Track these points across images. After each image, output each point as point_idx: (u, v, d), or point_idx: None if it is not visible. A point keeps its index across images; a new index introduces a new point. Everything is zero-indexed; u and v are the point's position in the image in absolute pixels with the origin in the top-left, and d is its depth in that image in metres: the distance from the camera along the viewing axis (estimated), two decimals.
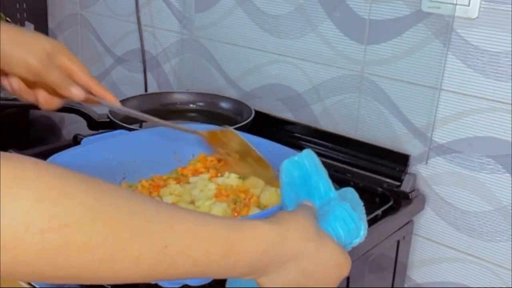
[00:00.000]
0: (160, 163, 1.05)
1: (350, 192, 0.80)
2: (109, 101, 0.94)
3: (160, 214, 0.53)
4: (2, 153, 0.45)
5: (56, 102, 0.91)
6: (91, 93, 0.92)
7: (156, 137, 1.06)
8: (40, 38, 0.88)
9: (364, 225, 0.73)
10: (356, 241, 0.73)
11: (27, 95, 0.90)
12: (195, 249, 0.54)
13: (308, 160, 0.75)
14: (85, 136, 1.06)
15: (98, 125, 1.33)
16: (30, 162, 0.46)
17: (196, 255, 0.54)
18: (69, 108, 1.38)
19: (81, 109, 1.35)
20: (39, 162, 0.47)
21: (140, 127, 1.32)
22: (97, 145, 0.99)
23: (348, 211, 0.71)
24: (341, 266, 0.67)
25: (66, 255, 0.46)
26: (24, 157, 0.47)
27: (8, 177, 0.44)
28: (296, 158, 0.75)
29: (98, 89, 0.93)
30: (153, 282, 0.55)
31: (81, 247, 0.46)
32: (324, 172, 0.75)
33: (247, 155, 1.01)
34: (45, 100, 0.90)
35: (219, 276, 0.58)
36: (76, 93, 0.89)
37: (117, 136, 1.04)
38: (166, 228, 0.52)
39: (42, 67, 0.85)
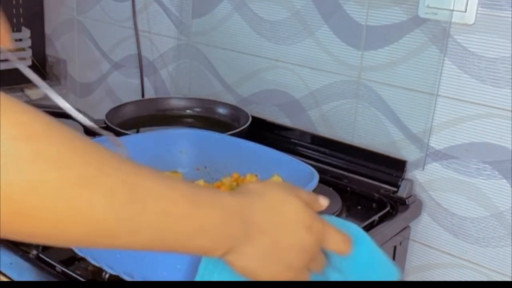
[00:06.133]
0: None
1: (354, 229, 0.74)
2: None
3: (124, 160, 0.52)
4: None
5: None
6: None
7: (144, 143, 1.07)
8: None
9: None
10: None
11: None
12: (163, 193, 0.53)
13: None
14: None
15: (95, 131, 1.32)
16: None
17: (165, 201, 0.53)
18: (66, 114, 1.37)
19: None
20: None
21: (137, 132, 1.32)
22: None
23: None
24: (311, 229, 0.65)
25: (40, 170, 0.45)
26: None
27: None
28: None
29: None
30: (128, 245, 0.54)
31: (53, 164, 0.45)
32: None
33: None
34: None
35: (190, 243, 0.57)
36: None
37: (104, 143, 1.01)
38: (132, 167, 0.52)
39: None
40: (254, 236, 0.61)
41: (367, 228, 1.06)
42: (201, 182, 1.00)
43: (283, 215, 0.64)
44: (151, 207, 0.52)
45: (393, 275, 0.73)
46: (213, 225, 0.57)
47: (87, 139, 0.50)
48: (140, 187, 0.51)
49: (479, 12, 1.06)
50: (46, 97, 1.82)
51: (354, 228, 0.72)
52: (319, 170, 0.94)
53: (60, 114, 1.40)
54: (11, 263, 0.92)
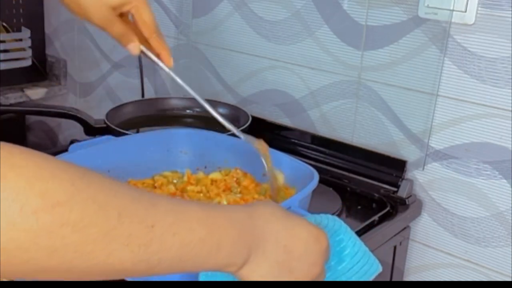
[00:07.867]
0: (147, 169, 1.05)
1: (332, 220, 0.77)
2: (163, 59, 1.01)
3: (141, 195, 0.53)
4: None
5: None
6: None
7: (144, 143, 1.07)
8: None
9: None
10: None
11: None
12: (179, 226, 0.54)
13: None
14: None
15: (95, 131, 1.32)
16: (17, 148, 0.46)
17: (182, 232, 0.54)
18: (66, 114, 1.37)
19: (78, 115, 1.34)
20: (26, 148, 0.47)
21: (137, 132, 1.32)
22: (85, 152, 0.99)
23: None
24: (319, 239, 0.66)
25: (61, 236, 0.46)
26: (10, 145, 0.46)
27: None
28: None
29: (157, 43, 0.98)
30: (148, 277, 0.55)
31: (75, 227, 0.46)
32: None
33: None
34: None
35: (208, 263, 0.58)
36: (131, 49, 0.95)
37: (105, 142, 1.04)
38: (150, 207, 0.53)
39: (104, 22, 0.91)
40: (267, 246, 0.62)
41: (367, 228, 1.06)
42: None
43: (294, 225, 0.65)
44: (169, 243, 0.53)
45: (375, 266, 0.75)
46: (229, 242, 0.59)
47: (108, 185, 0.51)
48: (158, 225, 0.52)
49: (479, 12, 1.06)
50: (46, 97, 1.82)
51: (332, 221, 0.75)
52: (319, 170, 0.94)
53: (62, 114, 1.41)
54: None
